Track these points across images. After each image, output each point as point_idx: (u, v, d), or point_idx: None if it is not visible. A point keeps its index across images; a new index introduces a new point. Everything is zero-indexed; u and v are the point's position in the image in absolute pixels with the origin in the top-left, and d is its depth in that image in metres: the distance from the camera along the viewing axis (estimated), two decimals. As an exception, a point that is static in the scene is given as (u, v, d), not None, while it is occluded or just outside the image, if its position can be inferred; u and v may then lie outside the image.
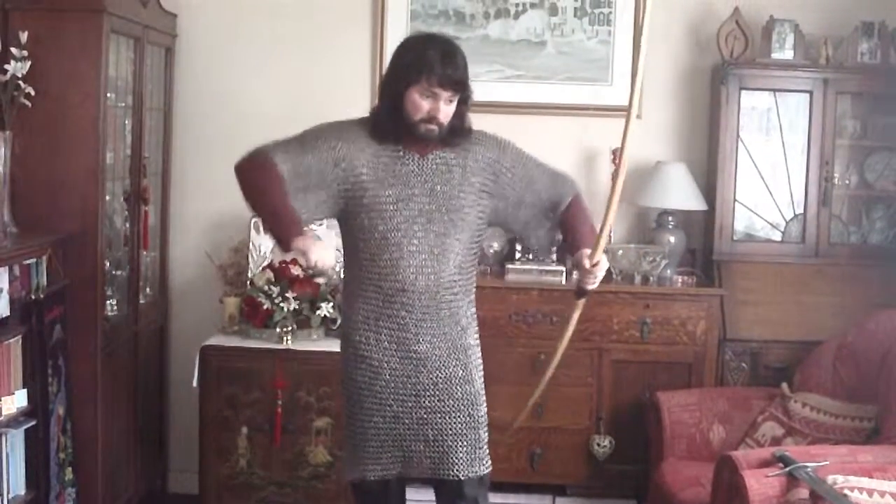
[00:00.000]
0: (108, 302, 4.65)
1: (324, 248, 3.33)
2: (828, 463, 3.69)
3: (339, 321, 5.05)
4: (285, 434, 4.86)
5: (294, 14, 5.47)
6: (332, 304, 5.00)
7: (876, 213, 5.41)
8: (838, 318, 5.00)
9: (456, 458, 3.44)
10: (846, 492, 3.50)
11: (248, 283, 5.15)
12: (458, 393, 3.45)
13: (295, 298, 4.94)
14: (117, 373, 4.72)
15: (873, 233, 5.40)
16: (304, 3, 5.47)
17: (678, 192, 5.21)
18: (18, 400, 3.97)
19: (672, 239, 5.29)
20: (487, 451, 3.53)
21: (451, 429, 3.44)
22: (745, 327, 5.10)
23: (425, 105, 3.35)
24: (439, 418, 3.44)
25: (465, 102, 3.44)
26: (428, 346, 3.43)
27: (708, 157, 5.44)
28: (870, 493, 3.53)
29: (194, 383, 4.88)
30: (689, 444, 4.75)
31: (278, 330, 4.91)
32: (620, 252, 5.16)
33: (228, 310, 5.14)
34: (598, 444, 5.07)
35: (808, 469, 3.63)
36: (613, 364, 5.08)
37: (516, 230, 3.71)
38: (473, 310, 3.58)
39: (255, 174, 3.41)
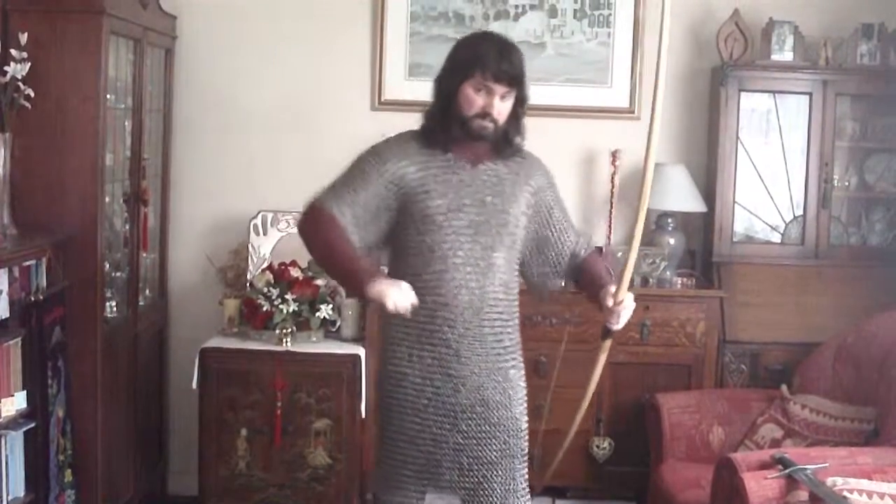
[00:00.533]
0: (107, 304, 4.64)
1: (398, 289, 3.16)
2: (827, 465, 3.69)
3: (338, 323, 5.07)
4: (285, 436, 4.86)
5: (294, 16, 5.47)
6: (331, 305, 5.01)
7: (875, 214, 5.41)
8: (838, 319, 5.00)
9: (490, 489, 3.35)
10: (846, 494, 3.51)
11: (248, 284, 5.16)
12: (495, 418, 3.34)
13: (294, 300, 4.94)
14: (117, 374, 4.72)
15: (873, 234, 5.41)
16: (304, 5, 5.48)
17: (678, 194, 5.22)
18: (18, 402, 3.96)
19: (672, 241, 5.29)
20: (526, 484, 3.43)
21: (486, 457, 3.34)
22: (744, 329, 5.10)
23: (479, 100, 3.27)
24: (475, 444, 3.33)
25: (521, 104, 3.36)
26: (468, 365, 3.32)
27: (707, 158, 5.44)
28: (869, 495, 3.53)
29: (194, 385, 4.88)
30: (688, 446, 4.75)
31: (278, 332, 4.91)
32: (620, 254, 5.16)
33: (228, 312, 5.14)
34: (598, 446, 5.07)
35: (808, 471, 3.63)
36: (613, 366, 5.06)
37: (528, 274, 3.55)
38: (518, 335, 3.46)
39: (318, 232, 3.32)
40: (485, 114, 3.28)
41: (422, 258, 3.31)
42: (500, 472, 3.36)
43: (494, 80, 3.25)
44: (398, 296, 3.15)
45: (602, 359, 3.46)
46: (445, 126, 3.33)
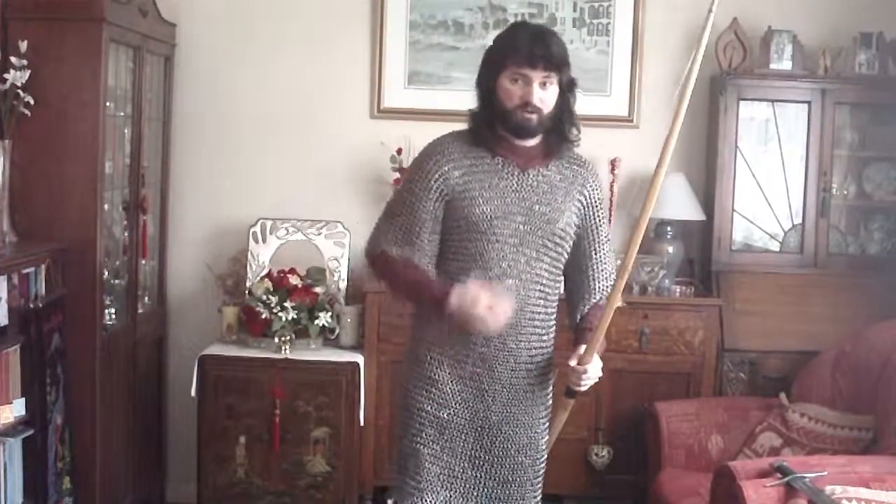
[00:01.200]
0: (106, 311, 4.65)
1: (478, 294, 3.03)
2: (826, 473, 3.69)
3: (337, 331, 5.07)
4: (283, 443, 4.86)
5: (293, 24, 5.48)
6: (330, 313, 5.01)
7: (874, 223, 5.41)
8: (837, 328, 5.00)
9: None
10: (844, 502, 3.50)
11: (247, 292, 5.16)
12: (517, 438, 3.27)
13: (293, 308, 4.95)
14: (116, 382, 4.72)
15: (871, 243, 5.41)
16: (303, 13, 5.48)
17: (676, 203, 5.22)
18: (17, 409, 3.96)
19: (670, 249, 5.29)
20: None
21: (501, 476, 3.27)
22: (743, 337, 5.10)
23: (517, 90, 3.11)
24: (495, 461, 3.26)
25: (569, 90, 3.19)
26: (501, 380, 3.21)
27: (706, 167, 5.45)
28: (867, 503, 3.52)
29: (193, 392, 4.89)
30: (687, 454, 4.75)
31: (277, 339, 4.92)
32: (619, 262, 5.15)
33: (227, 319, 5.14)
34: (597, 454, 5.07)
35: (807, 479, 3.63)
36: (612, 374, 5.06)
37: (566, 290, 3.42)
38: (551, 350, 3.33)
39: (384, 275, 3.28)
40: (525, 104, 3.11)
41: (463, 265, 3.18)
42: (513, 491, 3.29)
43: (529, 65, 3.08)
44: (483, 321, 3.03)
45: (562, 418, 3.36)
46: (489, 125, 3.19)
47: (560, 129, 3.22)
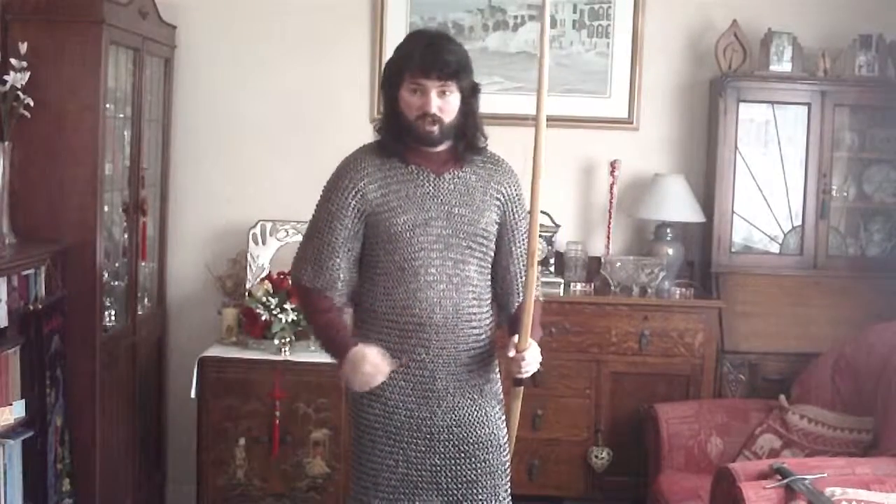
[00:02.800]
0: (106, 313, 4.65)
1: (364, 370, 3.12)
2: (826, 475, 3.69)
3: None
4: (283, 445, 4.85)
5: (293, 26, 5.48)
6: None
7: (874, 225, 5.41)
8: (836, 330, 5.00)
9: None
10: (844, 504, 3.51)
11: (247, 294, 5.16)
12: (473, 437, 3.24)
13: (293, 309, 4.94)
14: (115, 384, 4.72)
15: (871, 245, 5.41)
16: (303, 16, 5.48)
17: (676, 204, 5.22)
18: (16, 410, 3.96)
19: (670, 251, 5.29)
20: (508, 498, 3.35)
21: (465, 476, 3.24)
22: (743, 339, 5.10)
23: (415, 100, 3.12)
24: (453, 464, 3.24)
25: (470, 96, 3.18)
26: (444, 384, 3.21)
27: (706, 169, 5.45)
28: (868, 505, 3.53)
29: (192, 394, 4.89)
30: (687, 456, 4.75)
31: (276, 341, 4.92)
32: (619, 264, 5.17)
33: (227, 321, 5.14)
34: (597, 456, 5.06)
35: (806, 481, 3.63)
36: (612, 376, 5.08)
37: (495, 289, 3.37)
38: (492, 348, 3.32)
39: (303, 308, 3.42)
40: (424, 114, 3.12)
41: (392, 277, 3.18)
42: (480, 489, 3.27)
43: (423, 75, 3.09)
44: (363, 379, 3.13)
45: (516, 406, 3.34)
46: (396, 135, 3.20)
47: (465, 135, 3.22)
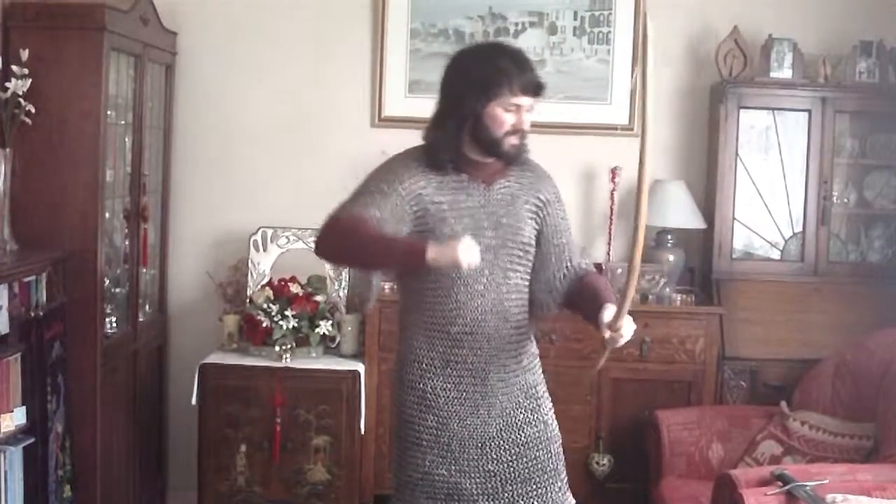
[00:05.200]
0: (107, 319, 4.65)
1: (459, 247, 2.92)
2: (827, 481, 3.68)
3: (338, 339, 5.06)
4: (284, 452, 4.86)
5: (294, 33, 5.49)
6: (330, 321, 5.01)
7: (874, 231, 5.42)
8: (837, 336, 5.00)
9: None
10: (845, 510, 3.51)
11: (248, 300, 5.16)
12: (523, 438, 3.25)
13: (294, 316, 4.95)
14: (116, 390, 4.72)
15: (872, 251, 5.41)
16: (304, 22, 5.49)
17: (677, 211, 5.22)
18: (17, 417, 3.96)
19: (671, 257, 5.29)
20: (566, 496, 3.32)
21: (517, 476, 3.23)
22: (744, 345, 5.10)
23: (509, 119, 3.10)
24: (507, 468, 3.23)
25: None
26: (495, 391, 3.21)
27: (707, 175, 5.45)
28: (869, 511, 3.53)
29: (193, 401, 4.89)
30: (688, 463, 4.75)
31: (277, 348, 4.91)
32: (620, 270, 5.16)
33: (227, 327, 5.14)
34: (598, 463, 5.06)
35: (807, 487, 3.62)
36: (613, 382, 5.08)
37: (531, 291, 3.32)
38: (535, 347, 3.36)
39: (344, 234, 3.07)
40: (515, 131, 3.13)
41: (442, 286, 3.15)
42: (534, 487, 3.25)
43: (523, 93, 3.10)
44: (464, 253, 2.91)
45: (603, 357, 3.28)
46: (459, 147, 3.16)
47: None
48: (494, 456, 3.23)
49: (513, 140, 3.15)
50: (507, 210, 3.22)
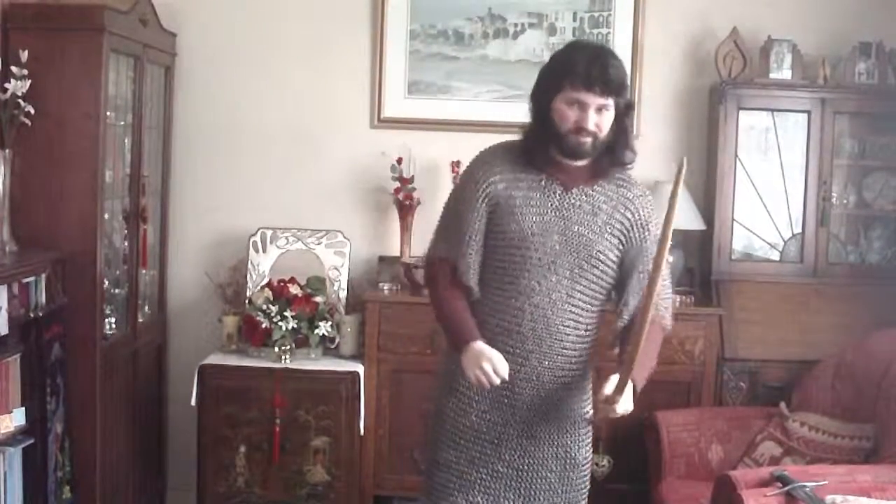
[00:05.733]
0: (106, 320, 4.65)
1: (484, 366, 3.02)
2: (826, 482, 3.68)
3: (337, 340, 5.07)
4: (283, 453, 4.86)
5: (293, 34, 5.49)
6: (330, 322, 5.01)
7: (874, 232, 5.42)
8: (837, 337, 4.99)
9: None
10: (845, 511, 3.51)
11: (247, 301, 5.16)
12: (538, 454, 3.25)
13: (293, 317, 4.94)
14: (116, 391, 4.71)
15: (871, 252, 5.41)
16: (304, 23, 5.49)
17: (676, 212, 5.20)
18: (17, 418, 3.97)
19: (670, 258, 5.25)
20: None
21: (522, 490, 3.25)
22: (743, 347, 5.10)
23: (572, 114, 3.04)
24: (514, 474, 3.24)
25: (625, 113, 3.11)
26: (520, 397, 3.19)
27: (706, 176, 5.45)
28: (868, 512, 3.53)
29: (193, 402, 4.89)
30: (687, 464, 4.75)
31: (277, 349, 4.91)
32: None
33: (227, 328, 5.15)
34: (597, 464, 5.05)
35: (807, 488, 3.62)
36: (612, 383, 5.07)
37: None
38: (587, 371, 3.29)
39: (433, 283, 3.26)
40: (579, 129, 3.05)
41: (496, 280, 3.16)
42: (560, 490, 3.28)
43: (585, 89, 3.01)
44: (480, 375, 3.02)
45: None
46: (542, 145, 3.12)
47: (613, 151, 3.14)
48: (506, 458, 3.25)
49: (580, 138, 3.06)
50: (583, 219, 3.13)
